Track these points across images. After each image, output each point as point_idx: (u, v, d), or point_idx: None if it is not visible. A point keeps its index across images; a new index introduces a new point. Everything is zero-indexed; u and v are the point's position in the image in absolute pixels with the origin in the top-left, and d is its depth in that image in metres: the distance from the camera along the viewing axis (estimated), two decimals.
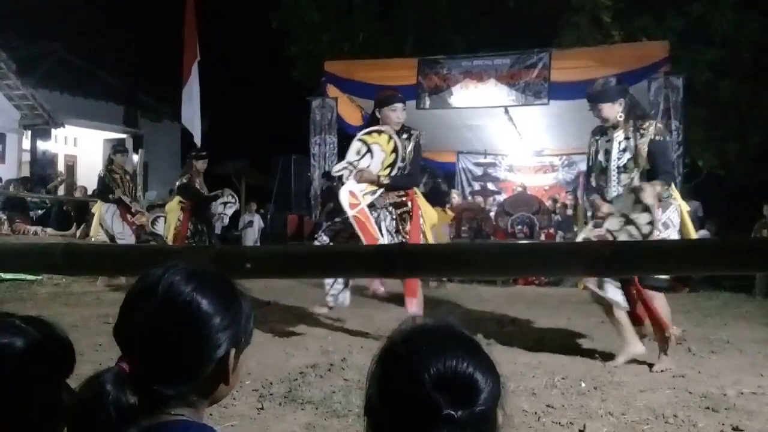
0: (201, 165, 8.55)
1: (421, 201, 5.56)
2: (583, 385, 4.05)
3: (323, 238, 5.54)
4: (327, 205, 11.07)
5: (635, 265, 2.09)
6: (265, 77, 23.24)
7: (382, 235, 5.22)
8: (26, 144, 16.74)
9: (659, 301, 4.60)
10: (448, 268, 2.42)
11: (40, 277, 7.87)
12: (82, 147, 19.32)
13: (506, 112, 12.35)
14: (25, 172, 16.30)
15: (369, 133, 5.32)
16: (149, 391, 1.20)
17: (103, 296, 7.07)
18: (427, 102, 11.96)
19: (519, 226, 11.94)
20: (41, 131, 16.74)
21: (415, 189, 5.53)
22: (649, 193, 4.37)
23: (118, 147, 9.16)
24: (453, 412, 1.06)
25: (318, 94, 12.33)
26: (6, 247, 3.00)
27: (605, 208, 4.67)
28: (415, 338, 1.17)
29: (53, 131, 16.99)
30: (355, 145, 5.32)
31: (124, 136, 19.33)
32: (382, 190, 5.27)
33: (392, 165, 5.24)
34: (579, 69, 11.22)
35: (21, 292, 7.29)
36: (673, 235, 4.50)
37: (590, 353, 4.99)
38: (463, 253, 2.33)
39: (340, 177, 5.39)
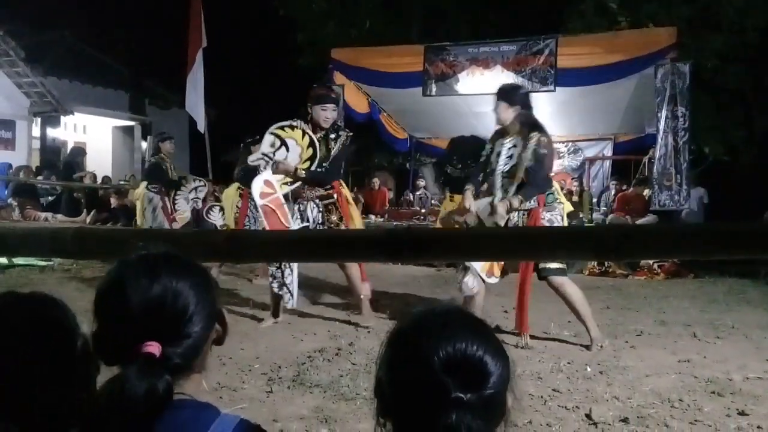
0: (168, 147, 8.73)
1: (347, 192, 5.72)
2: (589, 369, 4.09)
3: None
4: None
5: (643, 249, 2.11)
6: (271, 65, 23.21)
7: (308, 224, 5.43)
8: (36, 131, 16.78)
9: (569, 288, 4.81)
10: (455, 253, 2.44)
11: (51, 263, 7.92)
12: (91, 134, 19.37)
13: None
14: (35, 159, 16.35)
15: (282, 127, 5.42)
16: (172, 366, 1.24)
17: None
18: (434, 89, 11.95)
19: None
20: (50, 118, 16.78)
21: (341, 182, 5.64)
22: (501, 213, 4.76)
23: (164, 135, 9.06)
24: (462, 395, 1.06)
25: (325, 82, 12.32)
26: (17, 232, 3.03)
27: (468, 203, 4.98)
28: (424, 321, 1.17)
29: (62, 118, 17.03)
30: (269, 138, 5.42)
31: (132, 123, 19.37)
32: (298, 183, 5.39)
33: (311, 159, 5.36)
34: (586, 55, 11.18)
35: (32, 277, 7.34)
36: None
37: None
38: (469, 238, 2.35)
39: (256, 167, 5.50)
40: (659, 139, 10.11)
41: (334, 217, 5.46)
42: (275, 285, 5.29)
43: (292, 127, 5.40)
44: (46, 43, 17.35)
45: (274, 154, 5.36)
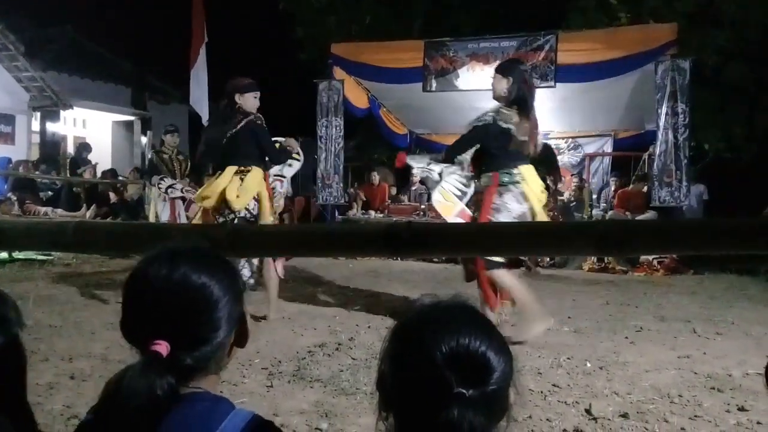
0: (169, 139, 8.77)
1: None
2: (589, 365, 4.10)
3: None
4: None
5: (644, 244, 2.11)
6: (272, 60, 23.20)
7: None
8: (35, 125, 16.76)
9: (506, 280, 4.72)
10: (456, 247, 2.44)
11: (51, 257, 7.92)
12: (91, 129, 19.34)
13: None
14: (35, 153, 16.33)
15: None
16: (182, 367, 1.23)
17: (114, 276, 7.14)
18: (434, 84, 11.93)
19: None
20: (50, 113, 16.74)
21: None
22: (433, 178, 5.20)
23: (168, 127, 9.04)
24: (464, 391, 1.05)
25: (325, 77, 12.31)
26: (18, 226, 3.03)
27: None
28: (428, 315, 1.16)
29: (62, 113, 17.00)
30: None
31: (132, 118, 19.34)
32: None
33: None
34: (586, 51, 11.15)
35: (32, 271, 7.35)
36: (502, 219, 4.66)
37: (595, 334, 5.04)
38: (470, 233, 2.35)
39: None
40: (659, 136, 10.11)
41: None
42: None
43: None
44: (46, 38, 17.33)
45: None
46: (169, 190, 8.32)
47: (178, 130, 9.10)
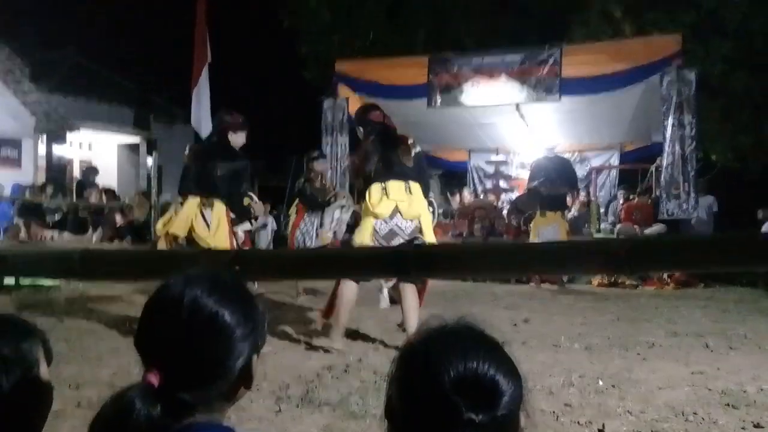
0: (317, 166, 8.23)
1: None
2: (601, 383, 4.04)
3: None
4: None
5: (653, 262, 2.08)
6: (276, 78, 23.30)
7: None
8: (42, 149, 16.81)
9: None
10: (462, 268, 2.41)
11: (57, 283, 7.90)
12: (97, 151, 19.41)
13: (517, 108, 12.29)
14: (41, 177, 16.37)
15: None
16: (176, 401, 1.20)
17: (120, 302, 7.11)
18: (438, 100, 11.94)
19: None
20: (56, 136, 16.78)
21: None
22: None
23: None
24: (474, 416, 1.03)
25: (329, 95, 12.33)
26: (25, 254, 3.02)
27: None
28: (435, 339, 1.14)
29: (68, 136, 17.05)
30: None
31: (137, 139, 19.41)
32: None
33: None
34: (590, 64, 11.16)
35: (39, 297, 7.33)
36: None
37: (607, 351, 4.98)
38: (476, 253, 2.32)
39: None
40: (666, 148, 10.08)
41: None
42: None
43: None
44: (51, 61, 17.41)
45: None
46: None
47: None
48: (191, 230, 5.34)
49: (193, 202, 5.37)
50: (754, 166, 16.56)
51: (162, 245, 5.51)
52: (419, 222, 5.05)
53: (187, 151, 5.78)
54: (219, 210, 5.41)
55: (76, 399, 3.71)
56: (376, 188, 5.04)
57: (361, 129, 5.38)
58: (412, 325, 4.82)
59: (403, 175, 5.07)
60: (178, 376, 1.21)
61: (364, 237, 5.01)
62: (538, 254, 2.16)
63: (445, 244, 5.23)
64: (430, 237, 5.10)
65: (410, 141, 5.27)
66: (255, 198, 6.06)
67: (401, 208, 5.00)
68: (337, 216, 8.04)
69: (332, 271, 2.37)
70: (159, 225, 5.67)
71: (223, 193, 5.41)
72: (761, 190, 14.42)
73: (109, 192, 14.57)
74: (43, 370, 1.37)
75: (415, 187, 5.09)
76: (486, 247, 2.97)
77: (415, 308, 4.95)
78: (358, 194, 5.78)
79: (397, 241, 4.95)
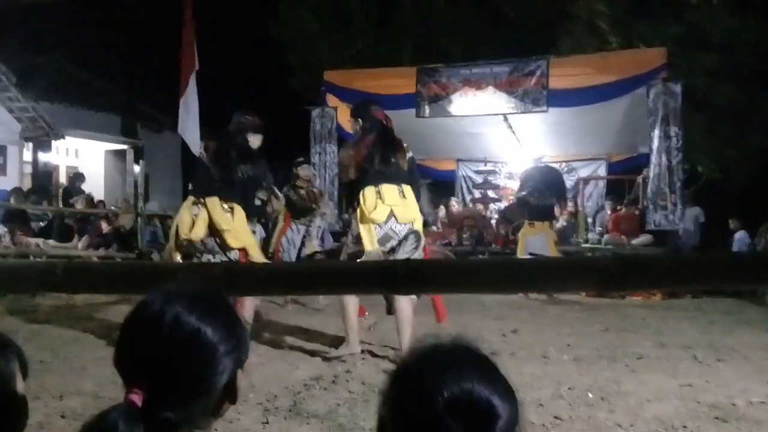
0: (302, 171, 8.29)
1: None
2: (591, 395, 4.03)
3: None
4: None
5: (645, 278, 2.07)
6: (265, 87, 23.25)
7: None
8: (27, 156, 16.69)
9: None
10: (453, 284, 2.39)
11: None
12: (84, 158, 19.27)
13: (505, 119, 12.35)
14: (27, 184, 16.23)
15: None
16: (159, 420, 1.18)
17: (105, 309, 7.05)
18: (427, 110, 11.97)
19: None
20: (42, 143, 16.67)
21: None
22: None
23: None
24: None
25: (318, 104, 12.34)
26: (8, 267, 2.98)
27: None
28: (429, 358, 1.11)
29: (54, 143, 16.93)
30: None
31: (125, 147, 19.30)
32: None
33: None
34: (577, 76, 11.24)
35: (23, 305, 7.26)
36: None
37: (596, 362, 4.97)
38: (467, 269, 2.31)
39: None
40: (653, 159, 10.14)
41: None
42: None
43: None
44: (38, 67, 17.28)
45: None
46: None
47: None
48: (213, 226, 5.27)
49: (213, 201, 5.28)
50: (739, 178, 16.67)
51: (176, 257, 5.37)
52: (413, 225, 5.04)
53: (201, 149, 5.67)
54: (239, 211, 5.40)
55: (60, 409, 3.66)
56: (370, 192, 4.98)
57: (360, 121, 5.31)
58: (406, 340, 4.72)
59: (398, 179, 5.04)
60: (161, 395, 1.19)
61: (373, 244, 4.95)
62: (531, 271, 2.15)
63: (436, 259, 5.20)
64: (421, 240, 5.12)
65: (405, 145, 5.25)
66: (277, 192, 6.06)
67: (396, 213, 4.96)
68: (318, 223, 8.05)
69: (325, 286, 2.35)
70: (183, 231, 5.32)
71: (243, 198, 5.41)
72: (746, 201, 14.51)
73: (91, 201, 14.47)
74: (20, 385, 1.33)
75: (408, 190, 5.07)
76: (478, 263, 2.96)
77: (410, 322, 4.85)
78: (346, 201, 5.68)
79: (391, 244, 4.95)
